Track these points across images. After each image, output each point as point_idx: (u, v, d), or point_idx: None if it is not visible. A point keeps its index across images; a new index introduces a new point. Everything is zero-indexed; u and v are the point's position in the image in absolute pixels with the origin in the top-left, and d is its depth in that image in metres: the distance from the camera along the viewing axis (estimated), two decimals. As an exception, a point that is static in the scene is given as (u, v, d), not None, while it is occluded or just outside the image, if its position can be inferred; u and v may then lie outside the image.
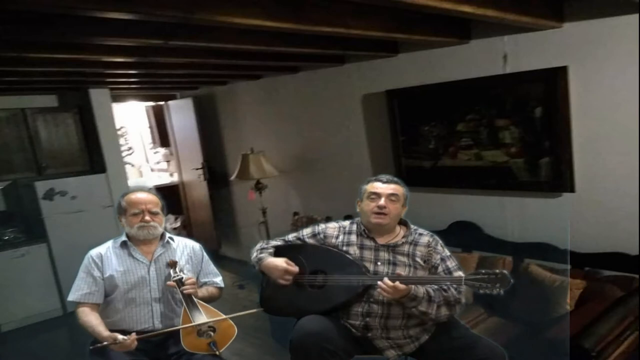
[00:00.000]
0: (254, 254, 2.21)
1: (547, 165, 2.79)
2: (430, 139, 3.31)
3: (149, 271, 2.23)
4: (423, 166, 3.40)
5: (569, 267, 2.58)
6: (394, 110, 3.45)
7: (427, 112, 3.29)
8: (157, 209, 2.26)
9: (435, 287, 1.94)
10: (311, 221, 3.61)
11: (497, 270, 1.77)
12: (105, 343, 1.93)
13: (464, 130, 3.10)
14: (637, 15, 2.30)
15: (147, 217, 2.21)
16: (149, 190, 2.35)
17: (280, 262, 2.10)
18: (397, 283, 1.81)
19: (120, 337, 1.92)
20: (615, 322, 2.14)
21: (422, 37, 2.67)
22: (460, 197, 3.30)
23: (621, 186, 2.56)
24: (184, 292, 2.11)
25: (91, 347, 1.96)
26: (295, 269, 2.08)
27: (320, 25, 2.18)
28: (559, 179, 2.75)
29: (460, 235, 3.17)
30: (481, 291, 1.78)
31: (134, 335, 1.96)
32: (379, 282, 1.85)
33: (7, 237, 4.36)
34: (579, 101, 2.62)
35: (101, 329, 2.02)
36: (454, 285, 1.94)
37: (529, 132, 2.82)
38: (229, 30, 2.39)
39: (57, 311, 4.44)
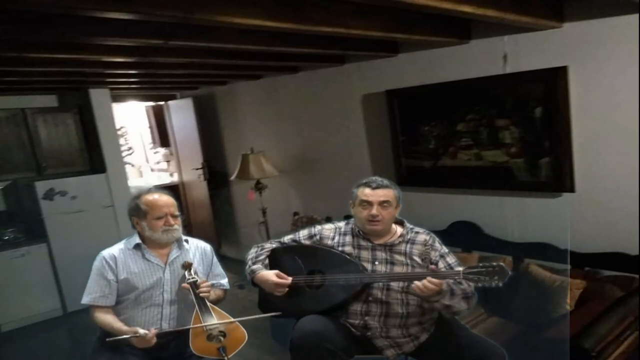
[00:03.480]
0: (248, 264, 2.19)
1: (547, 165, 2.78)
2: (430, 139, 3.31)
3: (164, 274, 2.20)
4: (423, 166, 3.40)
5: (569, 267, 2.58)
6: (394, 110, 3.45)
7: (427, 112, 3.29)
8: (177, 212, 2.24)
9: (451, 280, 1.92)
10: (311, 221, 3.61)
11: (495, 263, 1.77)
12: (125, 336, 1.94)
13: (464, 130, 3.10)
14: (637, 15, 2.30)
15: (172, 221, 2.19)
16: (163, 191, 2.28)
17: (271, 276, 2.07)
18: (428, 282, 1.80)
19: (141, 331, 1.94)
20: (615, 322, 2.14)
21: (422, 37, 2.67)
22: (460, 197, 3.30)
23: (621, 186, 2.56)
24: (200, 294, 2.09)
25: (108, 339, 1.95)
26: (286, 281, 2.06)
27: (320, 25, 2.18)
28: (559, 179, 2.75)
29: (460, 235, 3.17)
30: (480, 284, 1.78)
31: (154, 331, 1.97)
32: (416, 282, 1.82)
33: (7, 237, 4.36)
34: (579, 101, 2.62)
35: (120, 325, 2.06)
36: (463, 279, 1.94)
37: (529, 132, 2.82)
38: (229, 30, 2.39)
39: (57, 311, 4.44)
